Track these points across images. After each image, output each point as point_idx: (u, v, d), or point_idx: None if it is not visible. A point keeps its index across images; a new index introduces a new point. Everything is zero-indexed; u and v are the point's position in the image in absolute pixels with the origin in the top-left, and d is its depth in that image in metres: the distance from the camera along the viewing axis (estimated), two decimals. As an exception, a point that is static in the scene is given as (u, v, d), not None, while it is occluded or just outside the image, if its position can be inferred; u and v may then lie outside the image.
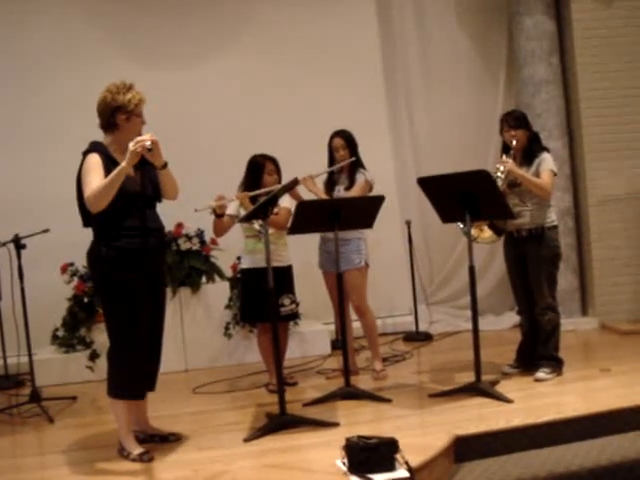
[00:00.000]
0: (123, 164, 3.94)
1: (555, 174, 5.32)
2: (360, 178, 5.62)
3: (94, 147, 4.19)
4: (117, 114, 4.15)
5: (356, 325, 6.01)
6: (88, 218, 4.17)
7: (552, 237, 5.31)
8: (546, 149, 5.42)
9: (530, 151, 5.35)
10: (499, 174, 5.19)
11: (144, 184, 4.24)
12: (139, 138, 3.98)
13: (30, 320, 5.51)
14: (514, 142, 5.30)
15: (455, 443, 4.09)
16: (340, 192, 5.66)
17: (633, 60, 7.11)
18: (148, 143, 3.97)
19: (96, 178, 4.01)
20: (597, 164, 7.10)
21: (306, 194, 5.61)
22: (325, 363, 6.43)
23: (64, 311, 6.49)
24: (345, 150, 5.62)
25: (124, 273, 4.11)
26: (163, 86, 6.87)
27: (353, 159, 5.61)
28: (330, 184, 5.76)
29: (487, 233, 5.37)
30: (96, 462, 4.21)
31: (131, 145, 3.94)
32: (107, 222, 4.09)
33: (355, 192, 5.57)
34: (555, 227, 5.35)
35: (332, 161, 5.71)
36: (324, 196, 5.60)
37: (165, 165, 4.20)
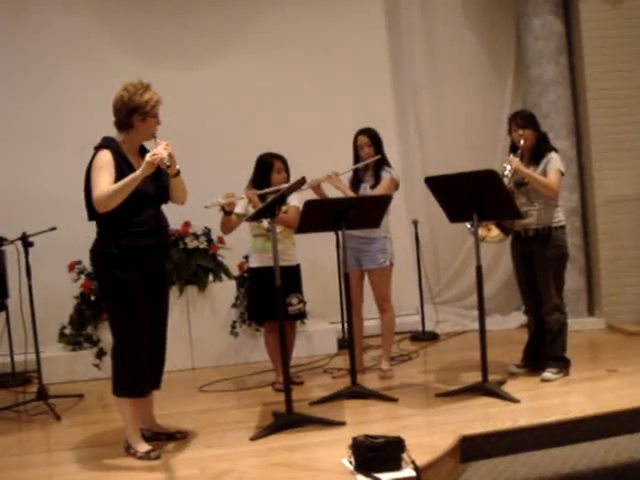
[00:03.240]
0: (138, 172, 3.91)
1: (562, 173, 5.31)
2: (386, 176, 5.62)
3: (107, 143, 4.17)
4: (133, 115, 4.12)
5: (367, 324, 6.01)
6: (93, 212, 4.15)
7: (559, 237, 5.31)
8: (554, 149, 5.41)
9: (538, 151, 5.34)
10: (506, 172, 5.19)
11: (151, 183, 4.21)
12: (156, 151, 3.93)
13: (37, 318, 5.53)
14: (522, 142, 5.29)
15: (461, 443, 4.09)
16: (366, 190, 5.66)
17: (641, 60, 7.10)
18: (166, 159, 3.93)
19: (106, 177, 3.99)
20: (604, 164, 7.09)
21: (332, 191, 5.62)
22: (332, 362, 6.43)
23: (71, 309, 6.50)
24: (370, 148, 5.63)
25: (126, 271, 4.11)
26: (169, 85, 6.76)
27: (378, 157, 5.62)
28: (355, 182, 5.76)
29: (495, 232, 5.37)
30: (103, 460, 4.22)
31: (148, 157, 3.91)
32: (112, 220, 4.08)
33: (381, 190, 5.57)
34: (562, 227, 5.34)
35: (357, 159, 5.71)
36: (351, 193, 5.61)
37: (178, 173, 4.19)
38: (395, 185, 5.66)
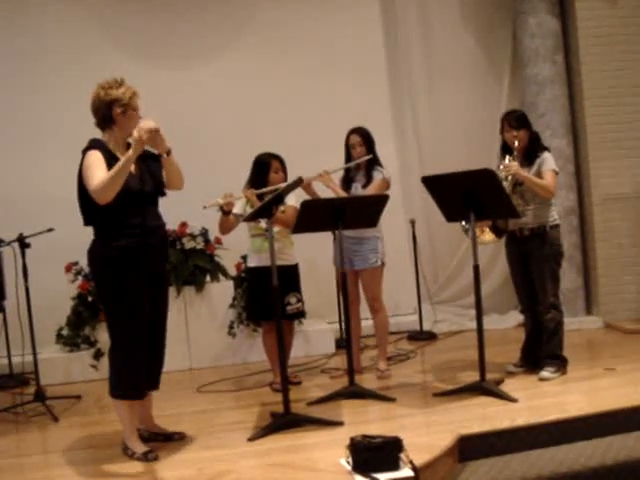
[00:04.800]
0: (130, 152, 3.91)
1: (557, 173, 5.31)
2: (377, 176, 5.62)
3: (94, 144, 4.17)
4: (113, 108, 4.13)
5: (365, 324, 6.00)
6: (89, 217, 4.16)
7: (554, 236, 5.31)
8: (547, 148, 5.43)
9: (531, 151, 5.34)
10: (503, 175, 5.19)
11: (144, 180, 4.21)
12: (140, 125, 3.96)
13: (34, 319, 5.52)
14: (516, 143, 5.29)
15: (459, 442, 4.09)
16: (357, 190, 5.66)
17: (637, 59, 7.08)
18: (152, 124, 3.96)
19: (100, 171, 3.98)
20: (601, 163, 7.09)
21: (323, 191, 5.61)
22: (329, 362, 6.43)
23: (68, 310, 6.49)
24: (362, 147, 5.62)
25: (124, 273, 4.10)
26: (167, 85, 6.89)
27: (370, 156, 5.61)
28: (347, 181, 5.76)
29: (488, 236, 5.36)
30: (100, 461, 4.21)
31: (135, 133, 3.92)
32: (107, 221, 4.08)
33: (372, 190, 5.57)
34: (557, 226, 5.35)
35: (349, 158, 5.70)
36: (342, 192, 5.60)
37: (169, 152, 4.20)
38: (386, 185, 5.65)
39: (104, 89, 4.15)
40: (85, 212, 4.18)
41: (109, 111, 4.14)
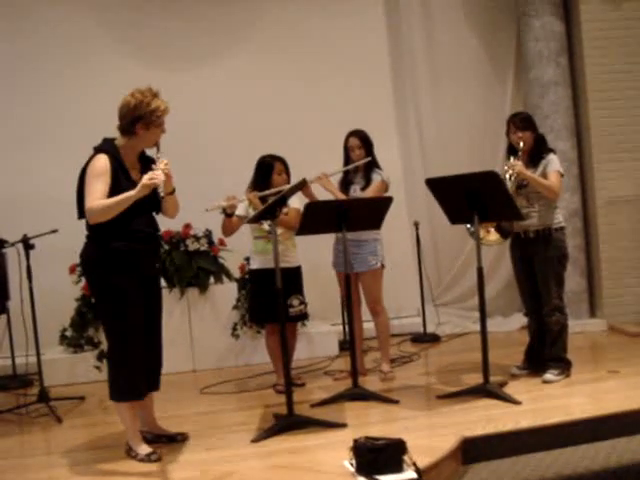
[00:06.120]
0: (132, 193, 3.89)
1: (562, 175, 5.31)
2: (376, 178, 5.62)
3: (106, 147, 4.13)
4: (137, 123, 4.06)
5: (367, 326, 6.00)
6: (84, 211, 4.09)
7: (559, 238, 5.30)
8: (552, 150, 5.42)
9: (536, 152, 5.34)
10: (507, 176, 5.18)
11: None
12: (154, 174, 3.88)
13: (38, 320, 5.52)
14: (521, 144, 5.28)
15: (463, 445, 4.08)
16: (356, 192, 5.66)
17: (642, 61, 7.10)
18: (161, 189, 3.93)
19: (100, 187, 3.96)
20: (605, 165, 7.09)
21: (321, 193, 5.60)
22: (333, 364, 6.43)
23: (72, 311, 6.49)
24: (361, 150, 5.62)
25: (117, 275, 4.08)
26: (169, 86, 6.77)
27: (369, 159, 5.61)
28: (345, 184, 5.76)
29: (493, 236, 5.35)
30: (104, 462, 4.21)
31: (145, 179, 3.87)
32: (103, 224, 4.03)
33: (371, 192, 5.57)
34: (562, 228, 5.34)
35: (348, 161, 5.70)
36: (341, 195, 5.60)
37: (172, 192, 4.18)
38: (385, 187, 5.65)
39: (136, 100, 4.05)
40: (81, 206, 4.10)
41: (132, 125, 4.08)
